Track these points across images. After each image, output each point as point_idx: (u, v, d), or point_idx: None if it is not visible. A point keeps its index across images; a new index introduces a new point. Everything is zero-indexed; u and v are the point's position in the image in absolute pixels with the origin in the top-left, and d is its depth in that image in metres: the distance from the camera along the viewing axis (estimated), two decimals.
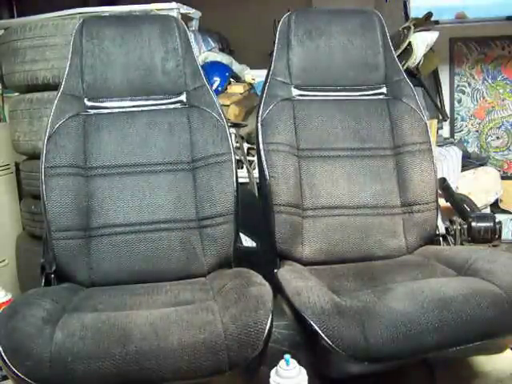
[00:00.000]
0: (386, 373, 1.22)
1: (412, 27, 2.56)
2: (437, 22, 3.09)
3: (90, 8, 2.33)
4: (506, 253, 1.43)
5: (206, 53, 2.77)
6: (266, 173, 1.60)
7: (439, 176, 1.87)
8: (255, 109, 2.01)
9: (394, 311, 1.17)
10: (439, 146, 2.85)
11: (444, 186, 2.36)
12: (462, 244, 1.82)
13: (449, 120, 3.31)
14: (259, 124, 1.65)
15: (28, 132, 2.20)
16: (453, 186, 2.47)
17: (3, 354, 1.08)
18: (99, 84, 1.63)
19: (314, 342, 1.16)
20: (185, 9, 2.41)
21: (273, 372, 1.14)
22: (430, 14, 2.84)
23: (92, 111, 1.61)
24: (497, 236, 1.81)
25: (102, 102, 1.63)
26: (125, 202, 1.56)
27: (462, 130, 3.35)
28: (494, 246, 1.99)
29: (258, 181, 1.98)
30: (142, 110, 1.64)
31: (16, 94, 2.42)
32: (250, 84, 2.76)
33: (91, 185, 1.56)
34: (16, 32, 2.17)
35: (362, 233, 1.64)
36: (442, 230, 1.69)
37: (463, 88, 3.31)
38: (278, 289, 1.36)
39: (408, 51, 2.54)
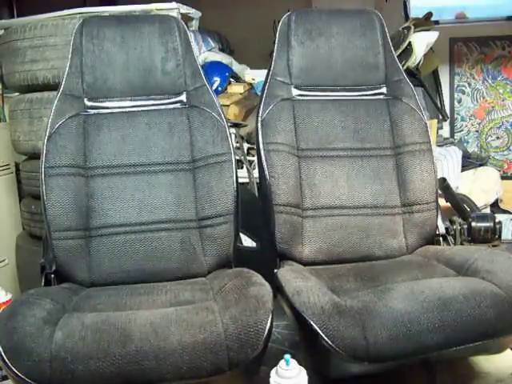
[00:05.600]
0: (386, 373, 1.22)
1: (412, 27, 2.56)
2: (437, 22, 3.10)
3: (90, 8, 2.32)
4: (506, 253, 1.43)
5: (206, 53, 2.77)
6: (266, 173, 1.60)
7: (439, 176, 1.87)
8: (255, 109, 2.01)
9: (394, 311, 1.17)
10: (439, 146, 2.85)
11: (444, 186, 2.36)
12: (462, 244, 1.82)
13: (449, 120, 3.32)
14: (259, 124, 1.65)
15: (28, 132, 2.20)
16: (453, 186, 2.47)
17: (3, 354, 1.08)
18: (99, 84, 1.63)
19: (313, 341, 1.16)
20: (185, 9, 2.40)
21: (273, 372, 1.14)
22: (430, 14, 2.85)
23: (92, 111, 1.61)
24: (497, 236, 1.82)
25: (101, 101, 1.63)
26: (125, 202, 1.56)
27: (462, 130, 3.36)
28: (494, 245, 1.99)
29: (258, 181, 1.98)
30: (142, 110, 1.64)
31: (16, 93, 2.41)
32: (250, 84, 2.76)
33: (91, 185, 1.56)
34: (16, 32, 2.17)
35: (362, 233, 1.64)
36: (442, 230, 1.68)
37: (463, 88, 3.31)
38: (277, 289, 1.36)
39: (408, 51, 2.54)
